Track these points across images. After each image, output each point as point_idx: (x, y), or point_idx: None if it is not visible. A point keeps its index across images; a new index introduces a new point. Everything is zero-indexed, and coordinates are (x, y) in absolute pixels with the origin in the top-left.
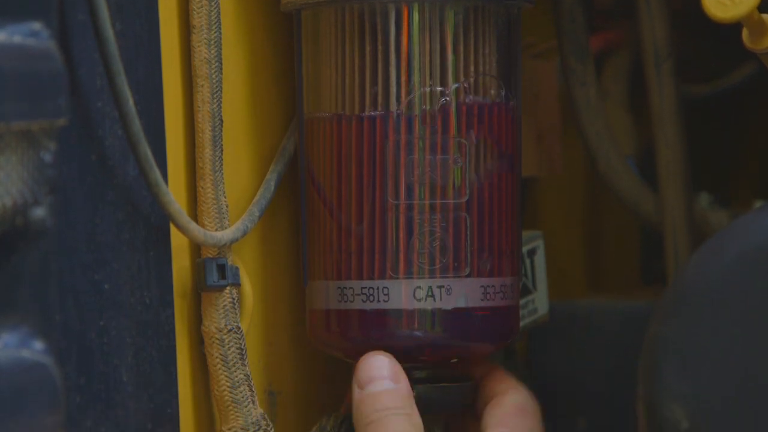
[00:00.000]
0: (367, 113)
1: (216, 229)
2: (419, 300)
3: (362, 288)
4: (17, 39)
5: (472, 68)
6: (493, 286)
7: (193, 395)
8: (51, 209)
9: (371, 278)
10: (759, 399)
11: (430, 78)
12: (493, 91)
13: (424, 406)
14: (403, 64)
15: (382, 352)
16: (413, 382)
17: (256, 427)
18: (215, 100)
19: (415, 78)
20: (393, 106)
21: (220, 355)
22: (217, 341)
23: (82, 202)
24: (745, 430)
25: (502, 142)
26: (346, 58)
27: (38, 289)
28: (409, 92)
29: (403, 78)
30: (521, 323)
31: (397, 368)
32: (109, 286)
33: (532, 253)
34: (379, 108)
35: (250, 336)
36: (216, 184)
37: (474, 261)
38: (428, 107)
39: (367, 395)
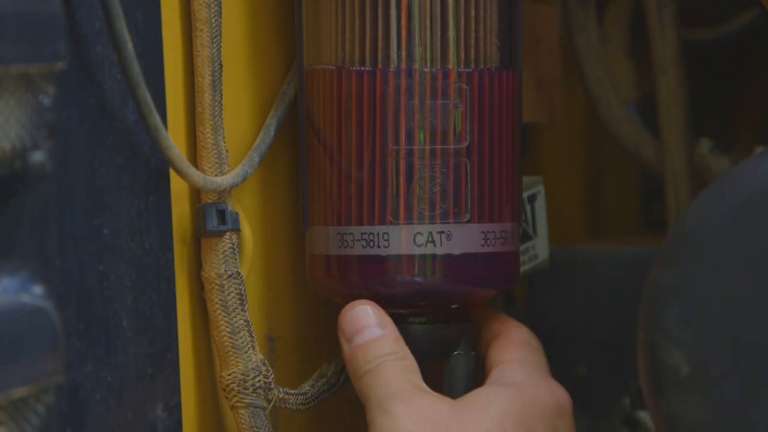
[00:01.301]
0: (368, 65)
1: (216, 174)
2: (419, 246)
3: (362, 234)
4: None
5: (472, 13)
6: (493, 231)
7: (193, 341)
8: (50, 153)
9: (371, 224)
10: (759, 344)
11: (431, 24)
12: (493, 37)
13: (420, 347)
14: (404, 10)
15: (363, 301)
16: (411, 324)
17: (256, 373)
18: (215, 44)
19: (416, 23)
20: (393, 53)
21: (220, 300)
22: (217, 287)
23: (82, 146)
24: (745, 375)
25: (503, 87)
26: (347, 7)
27: (37, 233)
28: (409, 38)
29: (404, 23)
30: (521, 269)
31: (382, 314)
32: (108, 231)
33: (532, 198)
34: (380, 56)
35: (249, 281)
36: (216, 129)
37: (474, 207)
38: (428, 53)
39: (357, 347)
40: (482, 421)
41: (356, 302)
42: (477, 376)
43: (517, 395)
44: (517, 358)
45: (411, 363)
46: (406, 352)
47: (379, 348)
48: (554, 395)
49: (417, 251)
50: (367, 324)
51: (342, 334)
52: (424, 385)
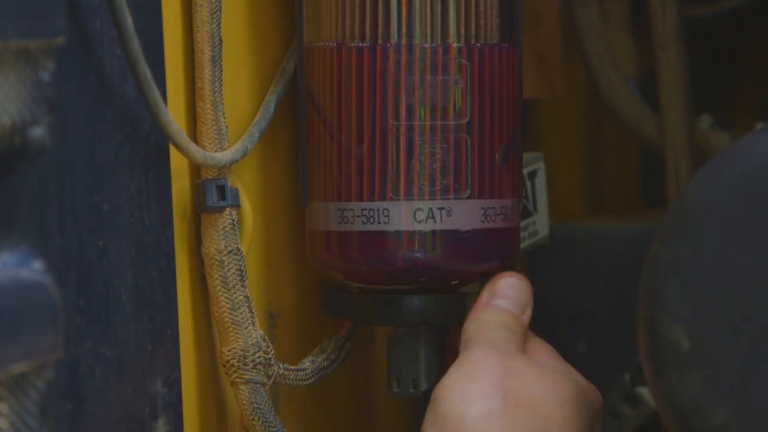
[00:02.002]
0: (368, 41)
1: (215, 150)
2: (419, 222)
3: (362, 210)
4: None
5: None
6: (493, 207)
7: (193, 316)
8: (50, 129)
9: (371, 200)
10: (759, 320)
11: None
12: (494, 12)
13: (419, 316)
14: None
15: (526, 281)
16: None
17: (256, 349)
18: (214, 20)
19: None
20: (394, 29)
21: (220, 276)
22: (217, 262)
23: (81, 122)
24: (745, 351)
25: (503, 63)
26: None
27: (37, 208)
28: (409, 14)
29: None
30: (521, 245)
31: (529, 301)
32: (108, 207)
33: (532, 175)
34: (380, 32)
35: (249, 257)
36: (215, 105)
37: (474, 183)
38: (429, 28)
39: (496, 306)
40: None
41: (523, 279)
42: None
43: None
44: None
45: (521, 345)
46: (524, 344)
47: (509, 320)
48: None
49: (417, 227)
50: (522, 302)
51: (496, 286)
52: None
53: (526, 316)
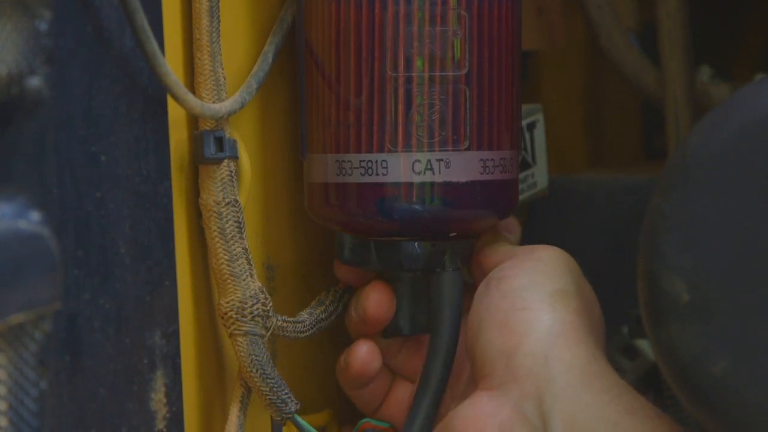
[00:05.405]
0: None
1: (213, 101)
2: (418, 173)
3: (361, 161)
4: None
5: None
6: (492, 159)
7: (191, 268)
8: (47, 79)
9: (370, 151)
10: (759, 272)
11: None
12: None
13: (416, 262)
14: None
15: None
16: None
17: (254, 301)
18: None
19: None
20: None
21: (218, 228)
22: (215, 214)
23: (78, 73)
24: (745, 304)
25: (502, 14)
26: None
27: (35, 160)
28: None
29: None
30: (520, 197)
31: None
32: (105, 158)
33: (531, 126)
34: None
35: (248, 210)
36: (213, 56)
37: (473, 134)
38: None
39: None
40: None
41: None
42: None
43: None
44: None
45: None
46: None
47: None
48: None
49: (416, 179)
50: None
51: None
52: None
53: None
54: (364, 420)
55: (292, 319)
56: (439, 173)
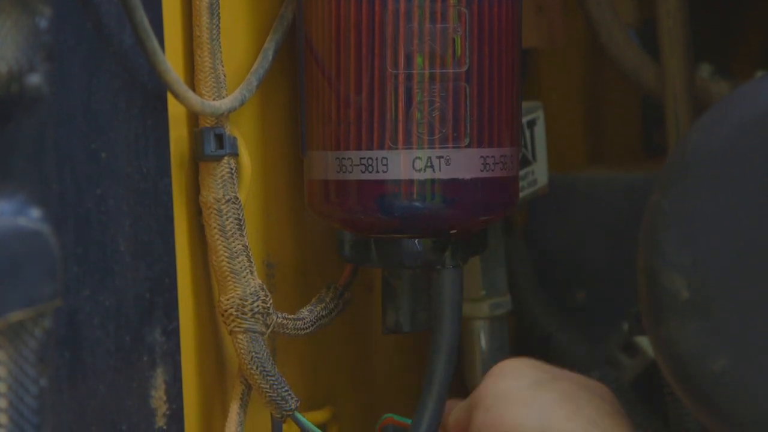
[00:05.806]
0: None
1: (214, 99)
2: (418, 170)
3: (361, 158)
4: None
5: None
6: (492, 156)
7: (192, 265)
8: (47, 76)
9: (370, 149)
10: (758, 269)
11: None
12: None
13: (416, 259)
14: None
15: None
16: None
17: (254, 298)
18: None
19: None
20: None
21: (218, 225)
22: (215, 211)
23: (78, 70)
24: (744, 300)
25: (502, 11)
26: None
27: (35, 156)
28: None
29: None
30: (520, 194)
31: None
32: (105, 155)
33: (531, 124)
34: None
35: (248, 207)
36: (213, 53)
37: (473, 131)
38: None
39: None
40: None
41: None
42: None
43: None
44: None
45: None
46: None
47: None
48: None
49: (416, 176)
50: None
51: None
52: None
53: None
54: (387, 415)
55: (292, 316)
56: (440, 170)
